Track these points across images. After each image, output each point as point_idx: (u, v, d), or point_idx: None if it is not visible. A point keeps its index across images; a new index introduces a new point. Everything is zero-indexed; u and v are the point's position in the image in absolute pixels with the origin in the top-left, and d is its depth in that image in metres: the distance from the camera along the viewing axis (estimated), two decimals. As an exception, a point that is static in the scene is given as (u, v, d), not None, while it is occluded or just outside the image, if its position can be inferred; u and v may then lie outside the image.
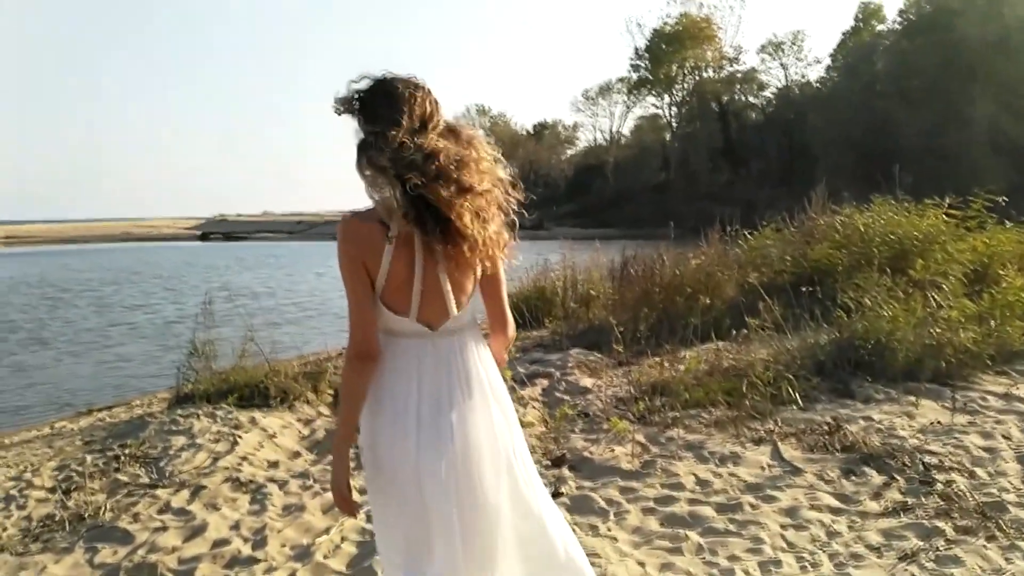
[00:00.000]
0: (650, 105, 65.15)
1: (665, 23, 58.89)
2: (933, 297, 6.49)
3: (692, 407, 5.41)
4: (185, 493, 4.26)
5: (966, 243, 8.61)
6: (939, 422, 4.82)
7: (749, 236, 9.62)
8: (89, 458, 5.02)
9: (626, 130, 71.35)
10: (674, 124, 61.70)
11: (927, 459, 4.14)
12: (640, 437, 4.76)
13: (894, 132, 43.81)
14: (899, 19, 52.96)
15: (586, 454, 4.57)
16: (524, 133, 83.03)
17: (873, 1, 56.34)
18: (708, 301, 7.85)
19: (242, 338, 7.56)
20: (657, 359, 6.98)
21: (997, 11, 44.84)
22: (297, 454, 5.18)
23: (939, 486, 3.78)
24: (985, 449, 4.34)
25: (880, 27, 55.22)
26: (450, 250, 1.84)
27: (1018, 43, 42.49)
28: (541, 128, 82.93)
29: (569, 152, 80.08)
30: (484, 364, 2.03)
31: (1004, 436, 4.54)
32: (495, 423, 1.99)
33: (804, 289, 6.82)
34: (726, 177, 52.01)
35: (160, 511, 4.04)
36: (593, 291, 9.77)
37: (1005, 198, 8.93)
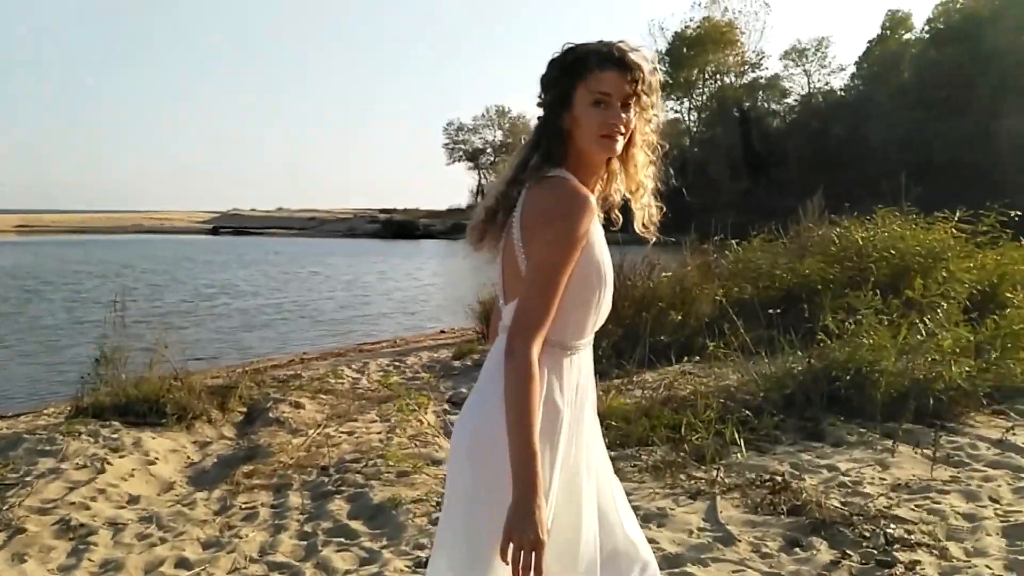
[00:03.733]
0: (670, 110, 64.07)
1: (687, 27, 57.85)
2: (926, 322, 5.70)
3: (634, 444, 4.67)
4: (1, 537, 3.59)
5: (974, 261, 7.80)
6: (916, 476, 4.05)
7: (737, 247, 8.84)
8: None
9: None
10: (693, 129, 60.63)
11: (892, 528, 3.37)
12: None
13: (920, 143, 42.61)
14: (927, 28, 51.68)
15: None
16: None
17: (901, 9, 55.03)
18: (680, 317, 7.11)
19: (181, 343, 6.97)
20: (616, 381, 6.26)
21: (1028, 20, 43.52)
22: (171, 486, 4.52)
23: (899, 569, 3.03)
24: (966, 516, 3.56)
25: (907, 36, 53.90)
26: None
27: (1050, 54, 41.16)
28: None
29: (588, 155, 79.22)
30: None
31: (991, 498, 3.76)
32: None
33: (771, 311, 6.01)
34: (745, 185, 50.93)
35: (-42, 560, 3.38)
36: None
37: (1019, 212, 8.09)
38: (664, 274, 7.98)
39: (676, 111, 60.41)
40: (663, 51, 58.52)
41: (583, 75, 1.55)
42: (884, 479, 4.04)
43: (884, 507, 3.62)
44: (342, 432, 5.45)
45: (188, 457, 5.00)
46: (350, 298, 18.71)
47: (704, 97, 60.49)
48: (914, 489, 3.88)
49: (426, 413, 5.72)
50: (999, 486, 3.89)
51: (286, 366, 9.08)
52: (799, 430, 4.85)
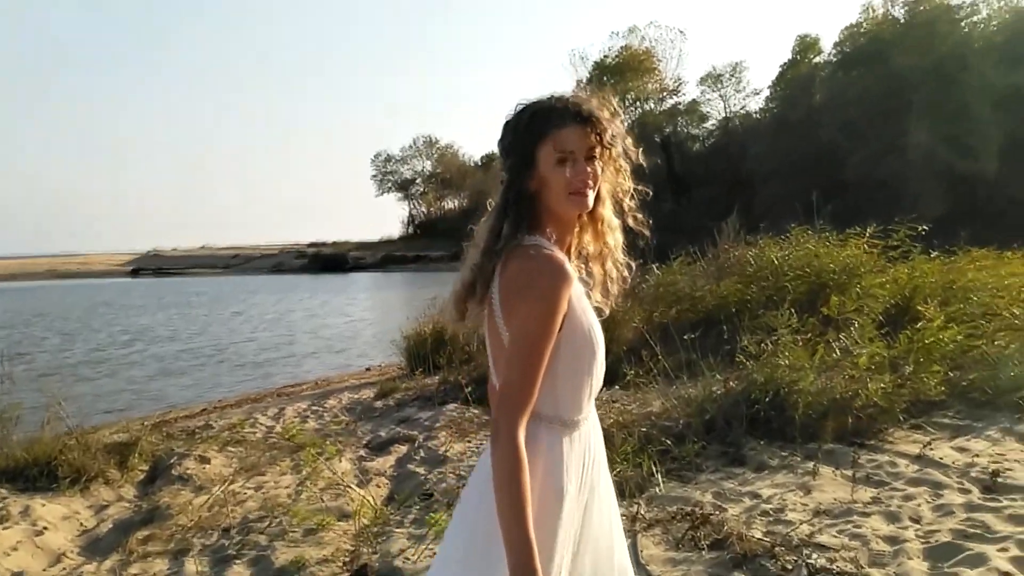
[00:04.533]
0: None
1: (607, 56, 59.11)
2: (842, 340, 5.73)
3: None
4: None
5: (887, 276, 7.96)
6: (838, 499, 3.99)
7: (657, 270, 8.84)
8: None
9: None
10: (619, 155, 61.65)
11: (814, 558, 3.28)
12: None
13: (834, 162, 44.25)
14: (835, 51, 53.93)
15: (399, 561, 3.62)
16: (472, 164, 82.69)
17: (810, 34, 57.36)
18: (612, 348, 7.00)
19: (92, 394, 6.51)
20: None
21: (929, 43, 45.86)
22: (60, 558, 4.15)
23: (822, 602, 2.92)
24: (888, 538, 3.50)
25: (817, 59, 56.15)
26: None
27: (950, 73, 43.37)
28: (489, 159, 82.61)
29: (520, 183, 79.74)
30: None
31: (912, 518, 3.71)
32: None
33: (689, 335, 5.97)
34: (670, 206, 52.00)
35: None
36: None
37: (925, 226, 8.32)
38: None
39: (600, 137, 61.20)
40: (584, 80, 59.61)
41: (544, 135, 1.51)
42: (806, 504, 3.96)
43: (806, 535, 3.54)
44: (249, 487, 5.15)
45: (82, 524, 4.62)
46: (273, 338, 18.15)
47: (627, 124, 61.63)
48: (836, 513, 3.81)
49: (340, 461, 5.45)
50: (919, 505, 3.85)
51: (198, 415, 8.65)
52: (721, 456, 4.77)
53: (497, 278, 1.52)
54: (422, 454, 5.44)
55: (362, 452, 5.71)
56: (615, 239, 1.65)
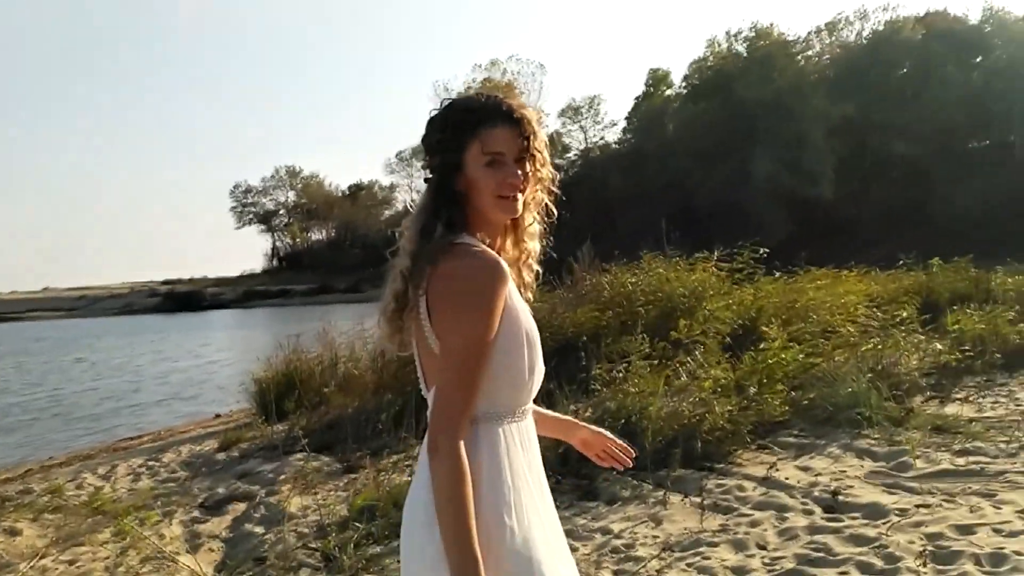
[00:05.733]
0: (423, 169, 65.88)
1: (469, 87, 59.79)
2: (689, 363, 5.79)
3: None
4: None
5: (733, 298, 8.21)
6: (687, 529, 3.93)
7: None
8: None
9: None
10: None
11: (662, 597, 3.18)
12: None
13: (687, 189, 46.51)
14: (684, 84, 57.00)
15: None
16: (339, 194, 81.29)
17: (661, 67, 60.36)
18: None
19: None
20: (393, 458, 5.81)
21: (768, 76, 49.26)
22: None
23: (668, 646, 2.80)
24: (735, 569, 3.45)
25: (668, 92, 59.11)
26: None
27: (789, 105, 46.69)
28: (357, 189, 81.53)
29: (388, 213, 79.00)
30: None
31: (759, 545, 3.69)
32: None
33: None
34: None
35: None
36: (356, 371, 8.51)
37: (766, 249, 8.67)
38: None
39: (465, 167, 62.00)
40: (449, 110, 60.01)
41: (473, 134, 1.44)
42: (656, 536, 3.88)
43: (656, 571, 3.44)
44: (63, 561, 4.55)
45: None
46: (117, 386, 16.82)
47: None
48: (685, 545, 3.74)
49: (170, 525, 4.94)
50: (765, 530, 3.84)
51: (20, 478, 7.74)
52: (575, 490, 4.65)
53: (426, 281, 1.41)
54: (262, 511, 5.01)
55: (195, 512, 5.20)
56: (533, 246, 1.59)
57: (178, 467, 6.89)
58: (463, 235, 1.46)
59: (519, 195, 1.48)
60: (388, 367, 7.89)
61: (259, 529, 4.75)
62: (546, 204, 1.60)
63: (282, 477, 5.62)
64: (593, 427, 1.93)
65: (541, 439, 1.67)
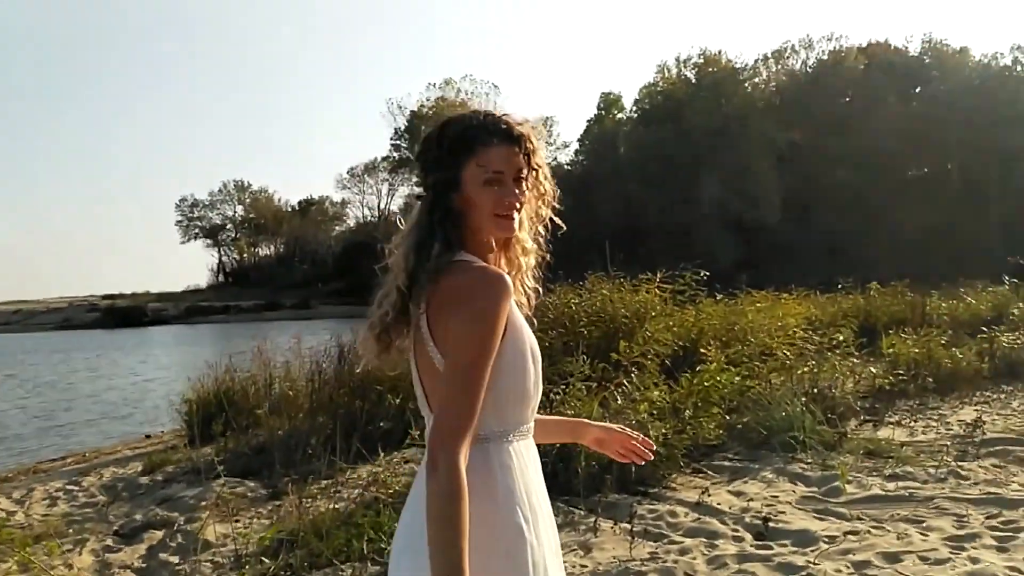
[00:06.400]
0: (414, 185, 65.74)
1: (423, 106, 59.83)
2: (626, 385, 5.74)
3: (324, 564, 4.05)
4: None
5: (674, 319, 8.22)
6: (616, 558, 3.84)
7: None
8: None
9: (396, 207, 71.11)
10: (438, 204, 62.38)
11: (586, 630, 3.07)
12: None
13: (636, 212, 47.06)
14: (635, 108, 57.81)
15: None
16: (289, 209, 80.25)
17: (613, 91, 61.20)
18: (397, 401, 6.65)
19: None
20: (324, 483, 5.63)
21: (716, 103, 50.31)
22: None
23: None
24: (662, 600, 3.37)
25: (620, 115, 59.89)
26: None
27: (736, 132, 47.71)
28: (307, 204, 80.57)
29: (338, 229, 78.24)
30: None
31: (687, 574, 3.62)
32: None
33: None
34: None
35: None
36: (292, 391, 8.26)
37: (707, 272, 8.72)
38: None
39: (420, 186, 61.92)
40: (402, 128, 59.97)
41: (471, 152, 1.42)
42: (585, 565, 3.78)
43: (582, 603, 3.34)
44: (-40, 595, 4.27)
45: None
46: (48, 405, 16.15)
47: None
48: (613, 575, 3.65)
49: (80, 555, 4.67)
50: (694, 558, 3.78)
51: None
52: (507, 518, 4.52)
53: (425, 300, 1.41)
54: (179, 540, 4.77)
55: (109, 541, 4.93)
56: (528, 263, 1.57)
57: (98, 491, 6.57)
58: (460, 252, 1.44)
59: (516, 215, 1.47)
60: (324, 388, 7.70)
61: (174, 559, 4.52)
62: (550, 219, 1.60)
63: (204, 503, 5.38)
64: (604, 424, 1.89)
65: None
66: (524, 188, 1.48)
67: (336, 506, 4.79)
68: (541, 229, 1.59)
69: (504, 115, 1.48)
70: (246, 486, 5.78)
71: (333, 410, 6.87)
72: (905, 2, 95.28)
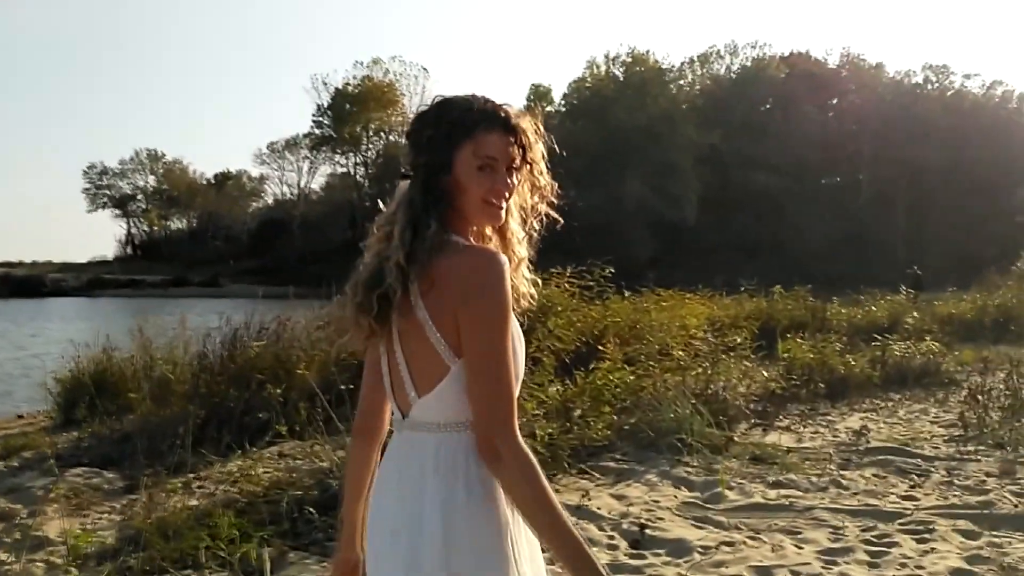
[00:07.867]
0: (337, 163, 64.46)
1: (348, 84, 58.57)
2: (527, 384, 5.55)
3: (175, 566, 3.71)
4: None
5: (580, 315, 8.11)
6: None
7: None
8: None
9: (316, 186, 69.44)
10: (364, 183, 61.32)
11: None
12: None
13: (559, 207, 47.20)
14: (564, 102, 57.99)
15: None
16: (204, 182, 77.39)
17: (543, 83, 61.23)
18: (279, 391, 6.29)
19: None
20: (190, 476, 5.25)
21: (642, 102, 50.93)
22: None
23: None
24: (524, 613, 3.18)
25: (549, 108, 59.98)
26: None
27: (660, 131, 48.44)
28: (223, 178, 77.81)
29: (255, 205, 75.88)
30: None
31: (555, 584, 3.44)
32: None
33: (343, 387, 5.38)
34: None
35: None
36: (172, 376, 7.76)
37: (612, 269, 8.64)
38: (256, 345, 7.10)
39: (343, 165, 60.70)
40: (325, 105, 58.56)
41: (466, 136, 1.40)
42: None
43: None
44: None
45: None
46: (-84, 378, 15.01)
47: (372, 153, 61.56)
48: (478, 585, 3.44)
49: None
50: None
51: None
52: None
53: (421, 279, 1.36)
54: (16, 535, 4.34)
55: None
56: (521, 252, 1.54)
57: (-58, 478, 5.99)
58: (456, 235, 1.42)
59: (504, 204, 1.45)
60: (206, 373, 7.27)
61: (9, 557, 4.09)
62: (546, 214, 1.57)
63: (52, 495, 4.93)
64: (357, 559, 1.58)
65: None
66: (515, 179, 1.46)
67: (193, 503, 4.44)
68: (535, 224, 1.57)
69: (504, 104, 1.46)
70: (103, 477, 5.35)
71: (209, 398, 6.46)
72: (826, 15, 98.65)
